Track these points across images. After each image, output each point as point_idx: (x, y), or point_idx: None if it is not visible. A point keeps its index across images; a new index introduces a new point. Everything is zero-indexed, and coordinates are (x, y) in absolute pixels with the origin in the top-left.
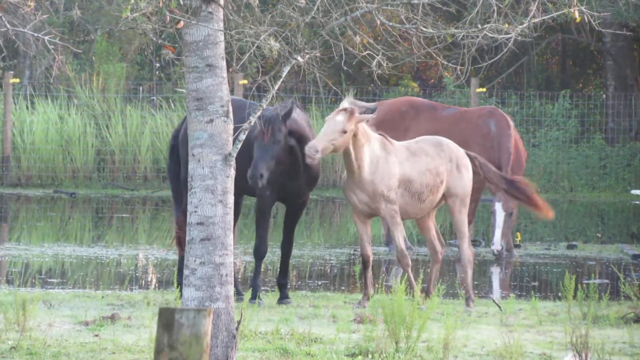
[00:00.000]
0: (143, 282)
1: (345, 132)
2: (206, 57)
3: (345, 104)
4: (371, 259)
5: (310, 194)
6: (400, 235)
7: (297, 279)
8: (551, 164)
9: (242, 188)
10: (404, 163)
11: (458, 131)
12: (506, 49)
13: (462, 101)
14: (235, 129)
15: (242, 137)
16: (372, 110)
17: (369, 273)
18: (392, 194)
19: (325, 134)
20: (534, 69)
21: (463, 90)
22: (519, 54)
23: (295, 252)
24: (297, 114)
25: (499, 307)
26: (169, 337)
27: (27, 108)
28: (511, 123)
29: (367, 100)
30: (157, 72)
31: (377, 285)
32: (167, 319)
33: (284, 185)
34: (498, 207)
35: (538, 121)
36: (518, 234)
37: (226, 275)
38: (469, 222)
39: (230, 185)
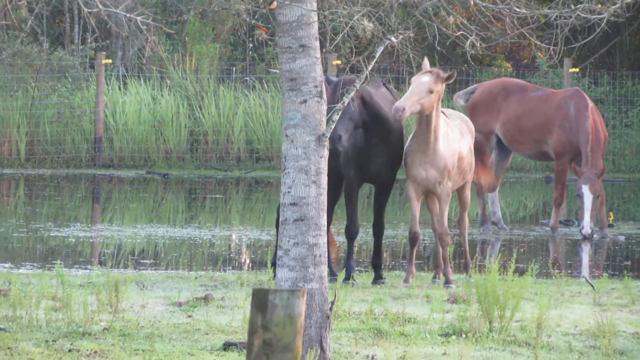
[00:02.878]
0: (236, 263)
1: (432, 92)
2: (299, 38)
3: (427, 65)
4: (420, 237)
5: (403, 174)
6: (446, 214)
7: (391, 259)
8: None
9: (341, 170)
10: (459, 140)
11: (541, 112)
12: (599, 29)
13: (555, 81)
14: (329, 109)
15: (336, 117)
16: (472, 92)
17: (414, 251)
18: (454, 171)
19: (413, 93)
20: (626, 48)
21: (556, 70)
22: (612, 34)
23: (389, 232)
24: (378, 91)
25: (592, 286)
26: (263, 318)
27: (120, 89)
28: (590, 104)
29: (461, 80)
30: (250, 53)
31: (472, 266)
32: (260, 300)
33: (366, 164)
34: (585, 190)
35: (630, 101)
36: (611, 213)
37: (320, 255)
38: (560, 204)
39: (324, 165)
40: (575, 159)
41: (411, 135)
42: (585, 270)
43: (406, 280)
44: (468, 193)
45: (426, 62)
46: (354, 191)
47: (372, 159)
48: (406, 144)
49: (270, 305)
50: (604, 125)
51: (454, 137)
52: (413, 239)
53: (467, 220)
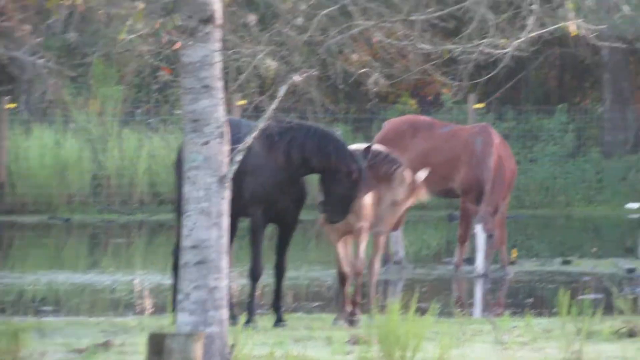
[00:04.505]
0: (138, 308)
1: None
2: (203, 78)
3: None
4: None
5: (307, 215)
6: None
7: (292, 301)
8: (548, 179)
9: (235, 210)
10: None
11: (449, 149)
12: (502, 64)
13: (460, 117)
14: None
15: (238, 158)
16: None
17: (345, 291)
18: (369, 211)
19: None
20: (531, 83)
21: (461, 106)
22: (517, 69)
23: (291, 273)
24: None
25: (494, 325)
26: None
27: (23, 133)
28: (496, 141)
29: (366, 119)
30: (154, 95)
31: (373, 306)
32: (157, 345)
33: (274, 203)
34: (479, 229)
35: (535, 136)
36: (514, 250)
37: (220, 299)
38: (464, 242)
39: (225, 207)
40: (481, 196)
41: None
42: (486, 309)
43: (339, 319)
44: (384, 236)
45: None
46: (260, 232)
47: (282, 198)
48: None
49: (166, 349)
50: (512, 160)
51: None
52: (343, 279)
53: (378, 263)
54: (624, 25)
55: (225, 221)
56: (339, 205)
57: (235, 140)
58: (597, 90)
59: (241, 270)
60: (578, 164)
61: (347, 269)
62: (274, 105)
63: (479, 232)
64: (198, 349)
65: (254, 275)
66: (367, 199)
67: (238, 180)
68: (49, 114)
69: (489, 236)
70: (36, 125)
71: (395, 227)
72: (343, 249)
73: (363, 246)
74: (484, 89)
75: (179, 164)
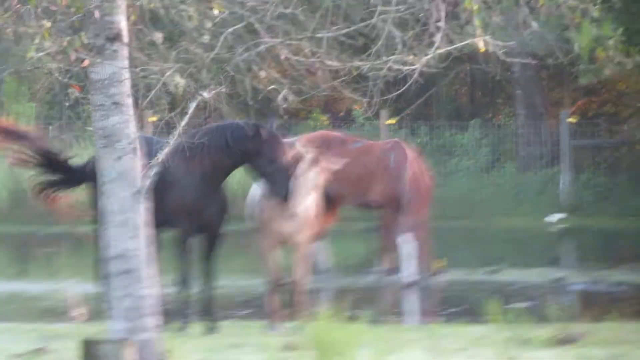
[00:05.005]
0: (69, 315)
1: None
2: (112, 95)
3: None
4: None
5: (233, 226)
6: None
7: (223, 309)
8: (465, 194)
9: (159, 222)
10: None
11: (362, 165)
12: (411, 80)
13: (372, 133)
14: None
15: (151, 173)
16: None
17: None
18: (309, 221)
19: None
20: (443, 99)
21: (373, 122)
22: (428, 85)
23: (220, 282)
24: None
25: (420, 332)
26: None
27: None
28: (409, 156)
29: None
30: (66, 112)
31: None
32: (89, 351)
33: (199, 213)
34: (402, 239)
35: (449, 151)
36: (441, 260)
37: (150, 306)
38: (386, 252)
39: (142, 220)
40: (399, 209)
41: (258, 189)
42: (418, 316)
43: (272, 327)
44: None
45: (300, 148)
46: (187, 240)
47: (204, 207)
48: (253, 198)
49: (99, 355)
50: (427, 173)
51: (306, 187)
52: (274, 287)
53: (308, 272)
54: (534, 41)
55: (144, 232)
56: (280, 180)
57: (149, 156)
58: (510, 105)
59: (173, 279)
60: (494, 178)
61: (277, 277)
62: (184, 122)
63: (403, 243)
64: (130, 354)
65: (184, 283)
66: (308, 210)
67: (160, 193)
68: None
69: (412, 246)
70: None
71: (319, 237)
72: (275, 257)
73: (303, 257)
74: (395, 105)
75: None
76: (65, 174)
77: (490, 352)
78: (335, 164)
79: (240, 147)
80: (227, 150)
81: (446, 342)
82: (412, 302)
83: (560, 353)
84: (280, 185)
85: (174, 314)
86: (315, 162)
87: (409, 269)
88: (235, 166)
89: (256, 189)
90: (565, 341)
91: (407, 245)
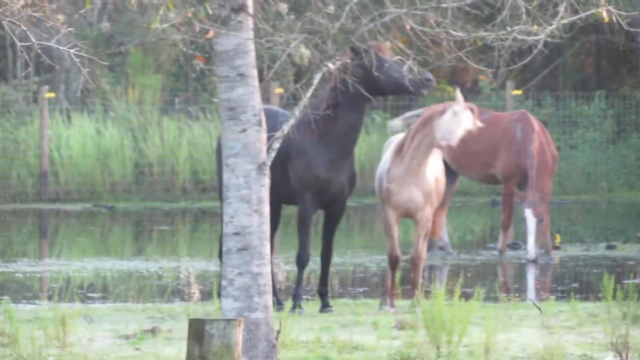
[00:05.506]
0: (184, 294)
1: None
2: (237, 67)
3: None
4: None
5: (350, 202)
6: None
7: (338, 287)
8: (589, 165)
9: (280, 197)
10: (436, 162)
11: (488, 136)
12: (536, 51)
13: (498, 104)
14: (269, 138)
15: (276, 145)
16: (417, 116)
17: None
18: (434, 195)
19: (460, 128)
20: (568, 70)
21: (499, 93)
22: (554, 56)
23: (336, 259)
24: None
25: (539, 309)
26: (200, 348)
27: (64, 122)
28: (536, 127)
29: (404, 105)
30: (192, 83)
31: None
32: (197, 330)
33: (324, 188)
34: (528, 214)
35: (575, 122)
36: (558, 235)
37: (264, 285)
38: (507, 227)
39: (266, 194)
40: (523, 182)
41: (389, 159)
42: (532, 294)
43: (392, 305)
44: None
45: (459, 94)
46: (309, 218)
47: (331, 182)
48: (383, 169)
49: (207, 335)
50: (552, 145)
51: (433, 160)
52: (395, 263)
53: (425, 248)
54: None
55: (266, 208)
56: (400, 75)
57: (272, 128)
58: (634, 76)
59: (286, 257)
60: (619, 150)
61: (399, 252)
62: (309, 93)
63: (529, 217)
64: (238, 334)
65: (301, 262)
66: (432, 177)
67: (284, 166)
68: (88, 103)
69: (539, 221)
70: (76, 115)
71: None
72: (397, 232)
73: (424, 232)
74: (521, 75)
75: (219, 152)
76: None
77: (600, 330)
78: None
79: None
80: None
81: (557, 320)
82: (527, 278)
83: None
84: (403, 78)
85: (288, 292)
86: (470, 108)
87: (535, 244)
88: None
89: (385, 162)
90: None
91: (534, 219)
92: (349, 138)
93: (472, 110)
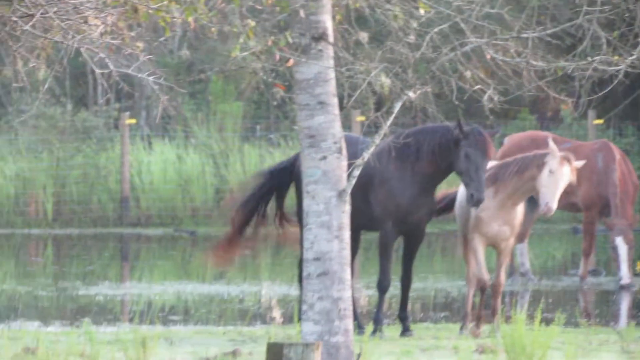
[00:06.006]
0: (265, 317)
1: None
2: (317, 95)
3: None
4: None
5: (432, 228)
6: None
7: (420, 311)
8: None
9: (360, 223)
10: None
11: None
12: (616, 81)
13: (579, 133)
14: (350, 165)
15: (356, 173)
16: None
17: (483, 299)
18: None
19: (558, 189)
20: None
21: (580, 122)
22: (635, 86)
23: (417, 284)
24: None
25: (620, 334)
26: None
27: (145, 148)
28: (617, 156)
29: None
30: (273, 111)
31: (499, 316)
32: (275, 354)
33: (406, 216)
34: (619, 242)
35: None
36: (639, 263)
37: (345, 309)
38: (589, 254)
39: (346, 220)
40: (604, 210)
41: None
42: (613, 319)
43: (477, 327)
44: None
45: (552, 145)
46: (390, 244)
47: (413, 210)
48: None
49: (285, 359)
50: (634, 174)
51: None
52: (483, 287)
53: (504, 274)
54: None
55: (347, 234)
56: (476, 179)
57: (353, 156)
58: None
59: (368, 282)
60: None
61: (486, 277)
62: (389, 121)
63: (620, 244)
64: (316, 357)
65: (382, 287)
66: (519, 212)
67: (365, 194)
68: (169, 130)
69: (630, 247)
70: (156, 141)
71: (520, 239)
72: (483, 257)
73: (506, 260)
74: (602, 105)
75: (296, 177)
76: (273, 181)
77: None
78: (579, 163)
79: (447, 150)
80: (438, 152)
81: (638, 345)
82: (607, 304)
83: None
84: (478, 185)
85: (369, 316)
86: (566, 159)
87: (627, 270)
88: (448, 170)
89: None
90: None
91: (623, 247)
92: (430, 179)
93: (568, 160)
